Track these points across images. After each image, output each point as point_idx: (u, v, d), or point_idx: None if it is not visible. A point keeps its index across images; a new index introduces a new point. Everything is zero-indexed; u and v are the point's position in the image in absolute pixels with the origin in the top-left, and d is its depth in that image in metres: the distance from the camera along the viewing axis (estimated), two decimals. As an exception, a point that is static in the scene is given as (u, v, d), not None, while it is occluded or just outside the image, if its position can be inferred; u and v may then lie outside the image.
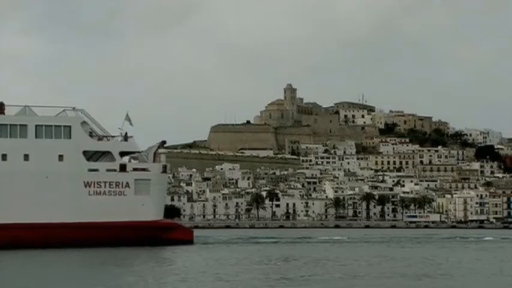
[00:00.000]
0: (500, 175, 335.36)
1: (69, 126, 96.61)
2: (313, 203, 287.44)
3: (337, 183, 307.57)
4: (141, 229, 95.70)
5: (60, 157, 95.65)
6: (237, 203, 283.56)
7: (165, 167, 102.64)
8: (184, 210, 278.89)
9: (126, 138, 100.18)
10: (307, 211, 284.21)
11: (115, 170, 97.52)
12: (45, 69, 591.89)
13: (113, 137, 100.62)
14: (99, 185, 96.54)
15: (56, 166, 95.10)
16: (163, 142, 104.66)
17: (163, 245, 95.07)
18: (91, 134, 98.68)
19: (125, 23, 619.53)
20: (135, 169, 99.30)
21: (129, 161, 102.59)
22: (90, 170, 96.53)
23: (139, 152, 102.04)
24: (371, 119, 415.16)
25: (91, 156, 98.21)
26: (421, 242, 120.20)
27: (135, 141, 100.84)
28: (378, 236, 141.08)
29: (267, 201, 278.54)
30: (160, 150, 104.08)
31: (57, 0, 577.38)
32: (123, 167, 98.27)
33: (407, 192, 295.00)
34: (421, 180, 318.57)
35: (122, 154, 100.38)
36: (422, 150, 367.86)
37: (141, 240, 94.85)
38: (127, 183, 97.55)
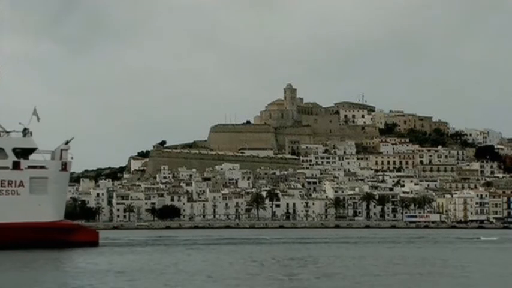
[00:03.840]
0: (500, 175, 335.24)
1: None
2: (313, 203, 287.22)
3: (337, 183, 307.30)
4: (37, 231, 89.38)
5: None
6: (237, 203, 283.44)
7: (65, 164, 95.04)
8: (184, 210, 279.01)
9: (24, 134, 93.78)
10: (307, 211, 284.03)
11: (7, 168, 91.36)
12: (43, 69, 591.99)
13: (8, 132, 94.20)
14: None
15: None
16: (69, 140, 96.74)
17: (64, 247, 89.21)
18: None
19: (124, 24, 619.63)
20: (30, 167, 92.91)
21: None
22: None
23: (36, 149, 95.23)
24: (371, 119, 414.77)
25: None
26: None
27: (32, 138, 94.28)
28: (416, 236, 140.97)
29: (267, 201, 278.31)
30: (64, 147, 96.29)
31: (55, 0, 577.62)
32: (16, 165, 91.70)
33: (407, 192, 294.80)
34: (421, 180, 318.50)
35: (19, 151, 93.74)
36: (422, 150, 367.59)
37: (39, 242, 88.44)
38: (21, 181, 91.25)
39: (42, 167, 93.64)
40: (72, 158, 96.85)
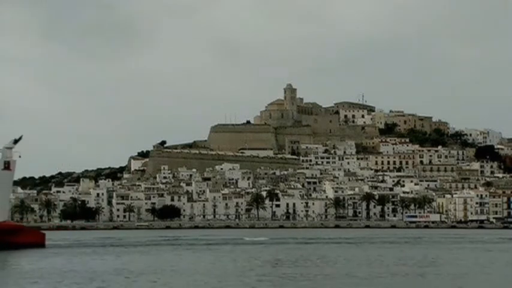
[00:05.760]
0: (500, 175, 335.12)
1: None
2: (313, 203, 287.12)
3: (337, 183, 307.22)
4: None
5: None
6: (237, 203, 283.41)
7: (8, 163, 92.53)
8: (184, 210, 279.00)
9: None
10: (307, 211, 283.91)
11: None
12: (43, 70, 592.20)
13: None
14: None
15: None
16: (18, 139, 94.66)
17: (8, 249, 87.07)
18: None
19: (125, 25, 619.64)
20: None
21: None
22: None
23: None
24: (371, 119, 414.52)
25: None
26: None
27: None
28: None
29: (267, 201, 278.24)
30: (8, 146, 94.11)
31: (55, 1, 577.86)
32: None
33: (407, 192, 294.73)
34: (421, 180, 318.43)
35: None
36: (422, 150, 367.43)
37: None
38: None
39: None
40: (20, 156, 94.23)
